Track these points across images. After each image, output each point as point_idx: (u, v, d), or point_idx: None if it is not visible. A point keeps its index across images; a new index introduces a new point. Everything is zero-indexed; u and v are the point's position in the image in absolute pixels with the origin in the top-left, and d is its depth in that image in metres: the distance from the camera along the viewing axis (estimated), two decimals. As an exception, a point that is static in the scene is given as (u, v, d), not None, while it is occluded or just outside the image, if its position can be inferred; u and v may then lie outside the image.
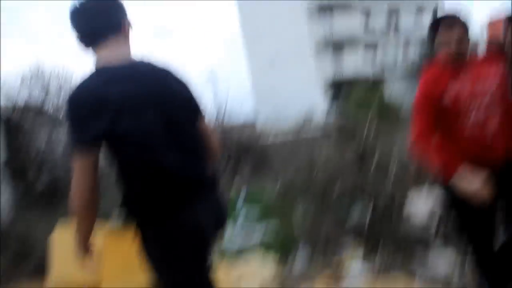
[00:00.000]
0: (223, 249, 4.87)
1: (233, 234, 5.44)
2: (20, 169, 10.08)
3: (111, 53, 1.72)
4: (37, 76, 12.49)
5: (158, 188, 1.69)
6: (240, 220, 6.03)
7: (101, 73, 1.67)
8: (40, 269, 4.56)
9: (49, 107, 11.91)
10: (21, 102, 12.77)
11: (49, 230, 5.05)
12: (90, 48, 1.74)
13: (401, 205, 4.01)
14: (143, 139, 1.66)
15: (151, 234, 1.71)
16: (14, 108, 11.62)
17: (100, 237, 3.90)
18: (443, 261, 3.37)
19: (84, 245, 1.75)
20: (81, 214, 1.67)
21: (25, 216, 5.88)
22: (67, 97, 1.69)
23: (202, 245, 1.78)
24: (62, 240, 4.30)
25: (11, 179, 6.67)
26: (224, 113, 13.80)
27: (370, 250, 3.75)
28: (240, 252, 4.78)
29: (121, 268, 3.88)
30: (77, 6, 1.74)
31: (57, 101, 11.85)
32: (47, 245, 4.46)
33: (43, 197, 6.12)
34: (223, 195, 1.95)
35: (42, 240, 4.83)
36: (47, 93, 12.33)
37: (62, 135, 11.96)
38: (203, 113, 1.90)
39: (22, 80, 12.68)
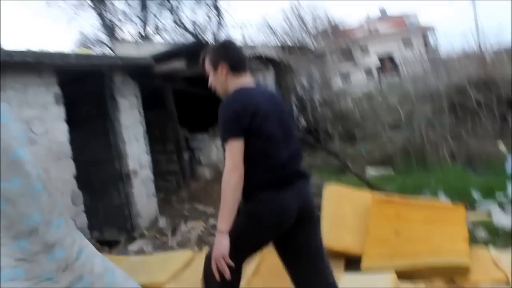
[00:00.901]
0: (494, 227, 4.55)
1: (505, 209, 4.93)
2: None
3: (247, 79, 2.60)
4: (298, 15, 13.37)
5: (270, 173, 2.40)
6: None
7: (244, 91, 2.50)
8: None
9: (311, 45, 12.66)
10: (287, 41, 13.93)
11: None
12: (232, 73, 2.56)
13: None
14: (269, 137, 2.42)
15: (254, 205, 2.42)
16: (282, 47, 12.48)
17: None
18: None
19: (229, 224, 2.32)
20: (235, 186, 2.32)
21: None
22: (222, 105, 2.45)
23: (281, 225, 2.43)
24: (332, 200, 4.55)
25: None
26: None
27: None
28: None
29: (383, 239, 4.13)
30: (232, 43, 2.78)
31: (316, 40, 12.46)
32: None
33: (304, 142, 6.54)
34: (310, 185, 2.65)
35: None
36: (307, 32, 13.03)
37: (321, 75, 12.64)
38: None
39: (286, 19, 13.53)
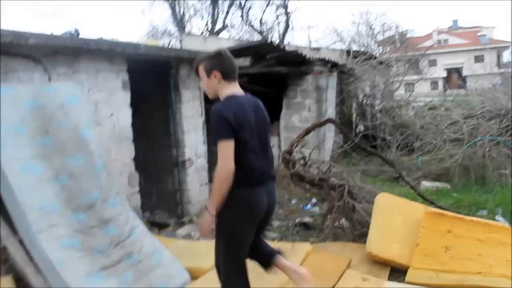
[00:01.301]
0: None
1: None
2: (347, 115, 11.07)
3: (236, 88, 3.03)
4: (366, 21, 13.22)
5: (249, 173, 2.90)
6: None
7: (235, 100, 2.93)
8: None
9: (375, 51, 12.46)
10: (352, 46, 13.82)
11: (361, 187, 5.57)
12: (224, 80, 2.96)
13: None
14: (248, 146, 2.88)
15: (235, 198, 2.84)
16: (347, 52, 12.38)
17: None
18: None
19: (215, 208, 2.84)
20: (224, 180, 2.77)
21: (338, 165, 6.20)
22: (216, 110, 2.83)
23: (258, 214, 3.00)
24: (383, 208, 4.57)
25: (338, 126, 7.29)
26: None
27: None
28: None
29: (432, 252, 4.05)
30: (226, 53, 3.04)
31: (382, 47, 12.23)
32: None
33: (358, 147, 6.48)
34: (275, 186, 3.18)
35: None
36: (373, 38, 12.83)
37: (385, 82, 12.43)
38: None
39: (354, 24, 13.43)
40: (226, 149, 2.77)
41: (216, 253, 3.13)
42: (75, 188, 3.87)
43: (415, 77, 18.39)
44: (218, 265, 3.12)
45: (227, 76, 2.98)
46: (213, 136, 2.86)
